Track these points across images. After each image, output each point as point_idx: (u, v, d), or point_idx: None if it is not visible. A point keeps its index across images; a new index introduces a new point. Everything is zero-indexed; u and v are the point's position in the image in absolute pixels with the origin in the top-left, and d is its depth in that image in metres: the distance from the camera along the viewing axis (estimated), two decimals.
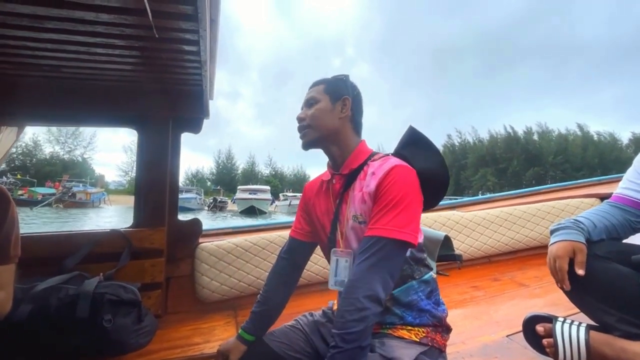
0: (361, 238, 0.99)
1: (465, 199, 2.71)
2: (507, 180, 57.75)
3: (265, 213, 29.58)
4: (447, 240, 1.16)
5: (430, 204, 1.06)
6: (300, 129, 1.12)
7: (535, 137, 59.99)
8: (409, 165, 1.01)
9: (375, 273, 0.89)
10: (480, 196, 2.84)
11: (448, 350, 1.26)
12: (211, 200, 34.87)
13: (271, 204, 33.40)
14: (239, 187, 36.05)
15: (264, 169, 72.00)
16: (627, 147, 56.31)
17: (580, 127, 60.44)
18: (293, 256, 1.24)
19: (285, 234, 2.00)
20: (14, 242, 1.15)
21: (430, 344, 1.01)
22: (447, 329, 1.09)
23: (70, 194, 29.90)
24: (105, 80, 1.59)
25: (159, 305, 1.71)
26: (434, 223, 2.23)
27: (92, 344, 1.33)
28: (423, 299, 1.05)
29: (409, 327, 1.03)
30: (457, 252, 1.16)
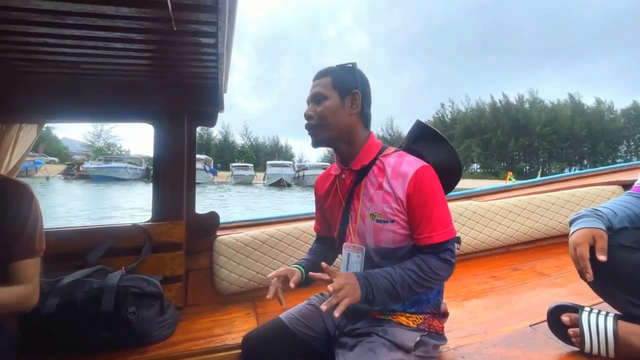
0: (383, 236, 1.06)
1: (482, 188, 2.67)
2: (492, 151, 58.02)
3: (126, 180, 28.88)
4: None
5: (445, 191, 1.13)
6: (308, 128, 1.11)
7: (527, 106, 60.28)
8: (425, 163, 1.06)
9: (449, 272, 1.05)
10: (495, 185, 2.79)
11: (470, 340, 1.27)
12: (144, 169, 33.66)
13: (214, 175, 34.07)
14: None
15: (239, 140, 71.85)
16: (622, 116, 56.37)
17: (571, 96, 60.16)
18: (325, 244, 1.33)
19: (302, 225, 2.00)
20: (38, 237, 1.18)
21: (427, 329, 1.08)
22: (444, 315, 1.15)
23: None
24: (122, 76, 1.60)
25: (180, 298, 1.73)
26: (450, 213, 2.20)
27: (118, 335, 1.36)
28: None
29: (408, 314, 1.09)
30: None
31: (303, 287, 1.24)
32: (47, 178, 28.42)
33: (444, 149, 1.12)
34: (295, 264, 1.26)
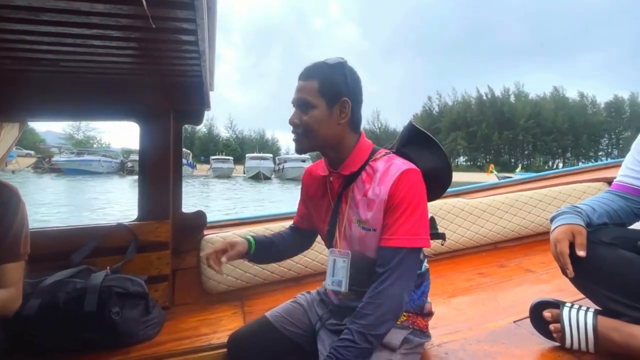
0: (367, 244, 1.03)
1: (470, 186, 2.68)
2: (478, 144, 59.21)
3: (100, 174, 28.94)
4: (432, 220, 1.15)
5: (431, 198, 1.09)
6: (294, 134, 1.05)
7: (512, 99, 61.40)
8: (414, 167, 1.02)
9: (402, 284, 0.95)
10: (482, 183, 2.81)
11: (455, 336, 1.28)
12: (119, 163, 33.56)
13: (192, 169, 34.77)
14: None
15: (224, 132, 70.85)
16: (604, 110, 58.45)
17: (555, 89, 61.77)
18: (296, 234, 1.32)
19: (289, 224, 1.98)
20: (23, 240, 1.17)
21: (411, 327, 1.08)
22: (428, 313, 1.14)
23: None
24: (104, 74, 1.57)
25: (166, 297, 1.72)
26: (439, 211, 2.22)
27: (101, 336, 1.35)
28: (412, 289, 1.07)
29: None
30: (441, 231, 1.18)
31: (252, 261, 1.24)
32: (13, 172, 26.47)
33: (436, 154, 1.07)
34: (251, 235, 1.23)
